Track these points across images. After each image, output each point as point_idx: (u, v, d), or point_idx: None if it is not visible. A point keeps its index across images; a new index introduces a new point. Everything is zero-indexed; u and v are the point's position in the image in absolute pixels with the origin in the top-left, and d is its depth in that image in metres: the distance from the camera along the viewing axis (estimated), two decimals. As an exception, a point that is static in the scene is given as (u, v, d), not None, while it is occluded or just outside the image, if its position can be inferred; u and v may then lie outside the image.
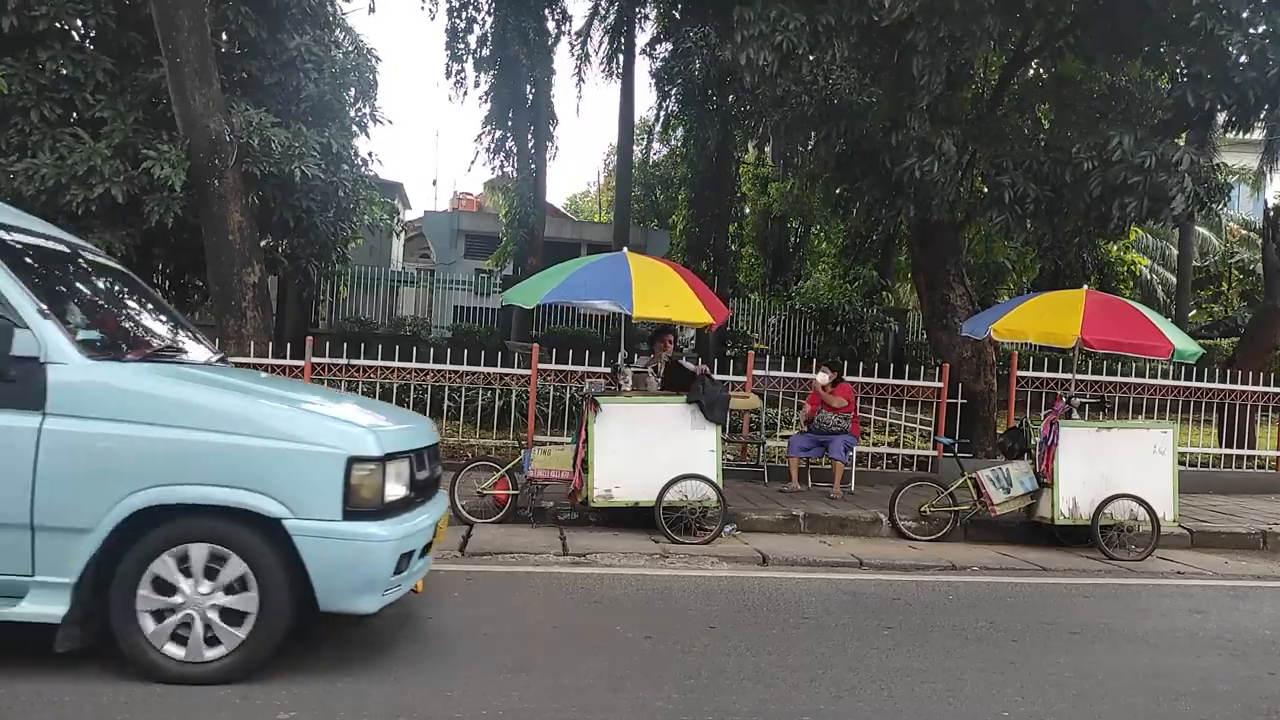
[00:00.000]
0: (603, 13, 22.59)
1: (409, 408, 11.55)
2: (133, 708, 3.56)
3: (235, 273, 10.05)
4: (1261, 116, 10.31)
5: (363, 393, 11.04)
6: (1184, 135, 10.10)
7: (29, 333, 3.74)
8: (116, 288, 5.01)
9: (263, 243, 11.06)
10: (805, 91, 9.93)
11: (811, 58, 9.52)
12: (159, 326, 5.03)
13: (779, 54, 9.11)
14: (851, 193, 12.39)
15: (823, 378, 9.56)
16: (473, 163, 28.89)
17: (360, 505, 3.92)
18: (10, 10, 9.84)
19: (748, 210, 28.39)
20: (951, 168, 10.04)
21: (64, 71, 10.29)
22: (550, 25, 21.15)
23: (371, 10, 16.53)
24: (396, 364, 10.14)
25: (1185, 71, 9.98)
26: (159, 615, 3.83)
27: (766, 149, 25.77)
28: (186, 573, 3.83)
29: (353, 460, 3.90)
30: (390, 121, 16.38)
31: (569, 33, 22.55)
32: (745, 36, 9.12)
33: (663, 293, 7.80)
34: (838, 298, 22.77)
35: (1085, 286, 8.63)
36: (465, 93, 21.52)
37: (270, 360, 9.91)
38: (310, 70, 11.14)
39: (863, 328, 21.25)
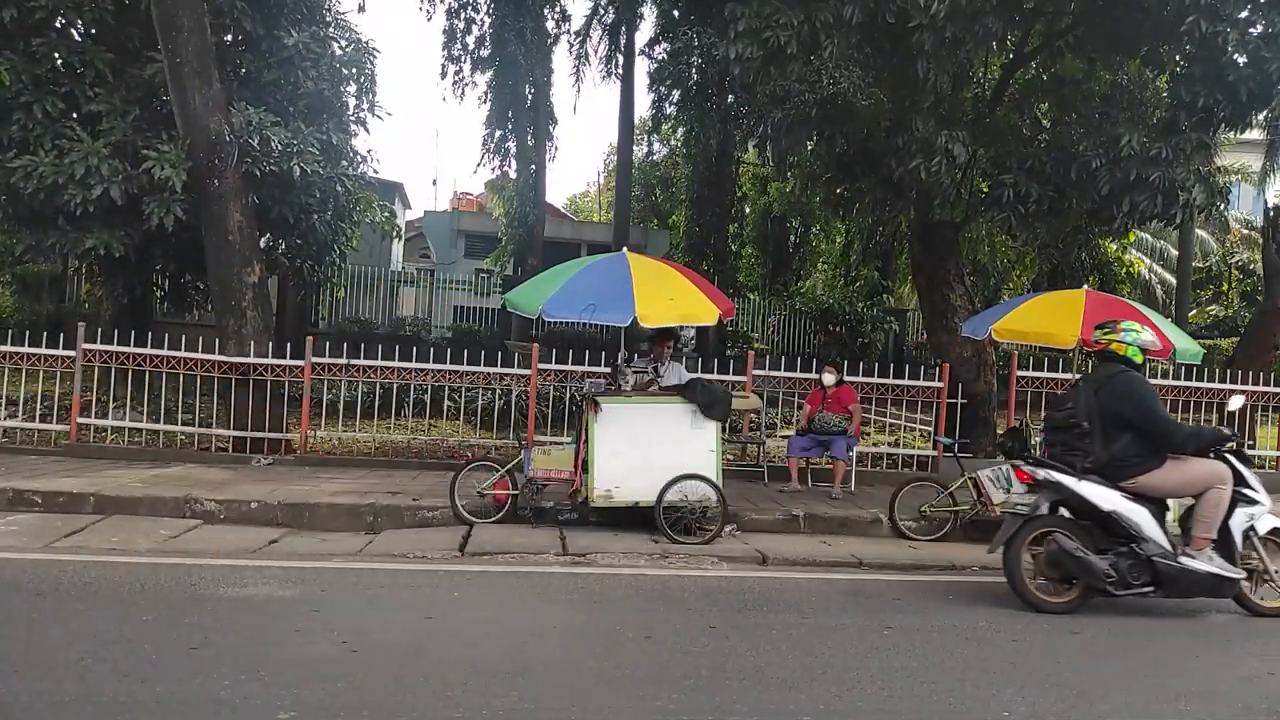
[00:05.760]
0: (602, 13, 22.61)
1: (409, 408, 11.59)
2: (133, 708, 3.56)
3: (235, 273, 10.05)
4: (1262, 116, 10.31)
5: (363, 392, 11.06)
6: (1187, 133, 10.07)
7: None
8: None
9: (261, 242, 11.05)
10: (809, 90, 9.91)
11: (811, 56, 9.49)
12: None
13: (765, 49, 9.08)
14: (852, 193, 12.40)
15: (829, 378, 9.56)
16: (479, 165, 28.93)
17: None
18: (10, 2, 9.85)
19: (748, 210, 28.40)
20: (957, 168, 10.04)
21: (60, 62, 10.31)
22: (549, 25, 21.23)
23: (361, 9, 16.49)
24: (396, 364, 10.14)
25: (1181, 71, 10.00)
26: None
27: (766, 148, 25.77)
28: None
29: None
30: (389, 114, 16.33)
31: (568, 33, 22.66)
32: (737, 32, 9.11)
33: (666, 290, 7.79)
34: (838, 298, 22.79)
35: (1085, 286, 8.62)
36: (462, 94, 21.63)
37: (270, 360, 9.91)
38: (309, 68, 11.14)
39: (863, 328, 21.25)
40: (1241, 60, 9.24)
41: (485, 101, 21.22)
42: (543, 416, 10.53)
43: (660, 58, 22.02)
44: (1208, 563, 5.71)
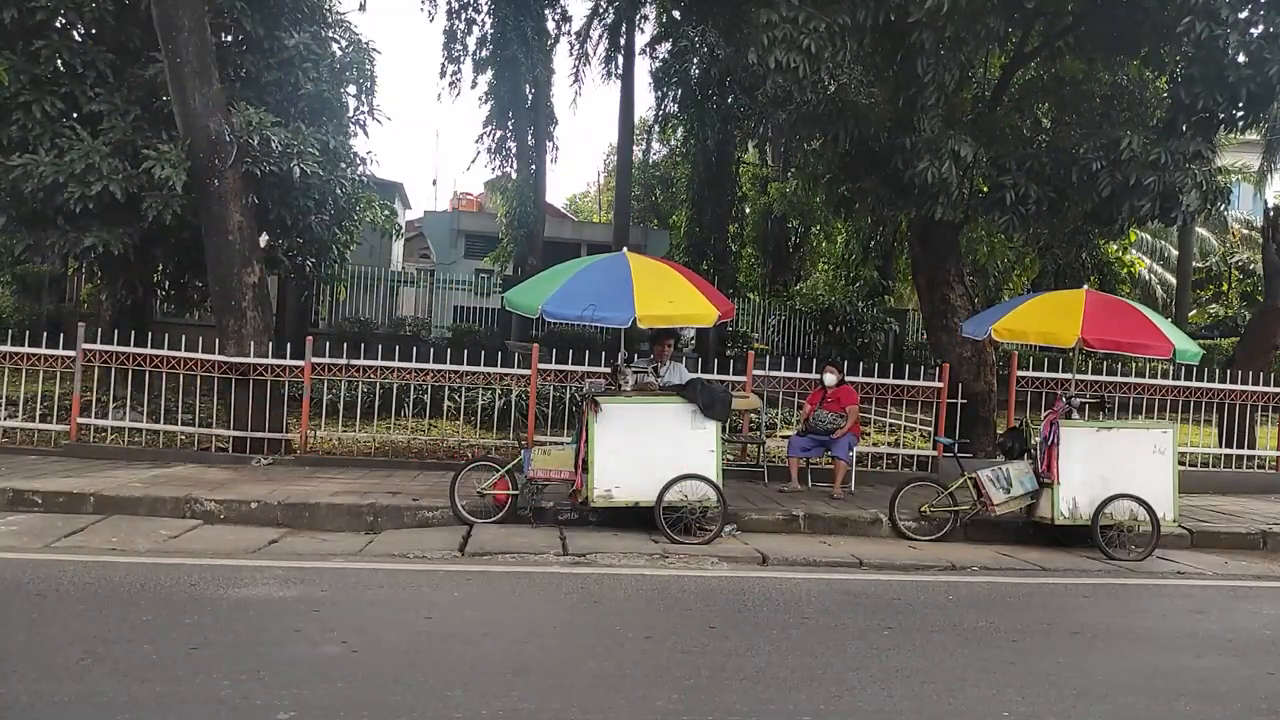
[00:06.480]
0: (602, 12, 22.61)
1: (409, 407, 11.58)
2: (133, 708, 3.56)
3: (235, 273, 10.05)
4: (1262, 116, 10.30)
5: (363, 392, 11.05)
6: (1187, 136, 10.07)
7: None
8: None
9: (261, 242, 11.06)
10: (811, 90, 9.90)
11: (827, 58, 9.47)
12: None
13: (807, 56, 9.04)
14: (854, 193, 12.39)
15: (830, 378, 9.55)
16: (473, 162, 29.02)
17: None
18: (10, 3, 9.86)
19: (748, 210, 28.40)
20: (962, 169, 10.05)
21: (62, 63, 10.32)
22: (550, 25, 21.23)
23: (362, 8, 16.47)
24: (396, 364, 10.14)
25: (1181, 72, 10.00)
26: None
27: (767, 148, 25.78)
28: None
29: None
30: (389, 119, 16.30)
31: (569, 33, 22.65)
32: (771, 39, 9.05)
33: (665, 290, 7.79)
34: (838, 298, 22.79)
35: (1085, 286, 8.63)
36: (459, 93, 21.66)
37: (270, 360, 9.91)
38: (309, 69, 11.15)
39: (863, 328, 21.25)
40: (1242, 60, 9.23)
41: (485, 102, 21.22)
42: (543, 416, 10.53)
43: (661, 58, 22.03)
44: None
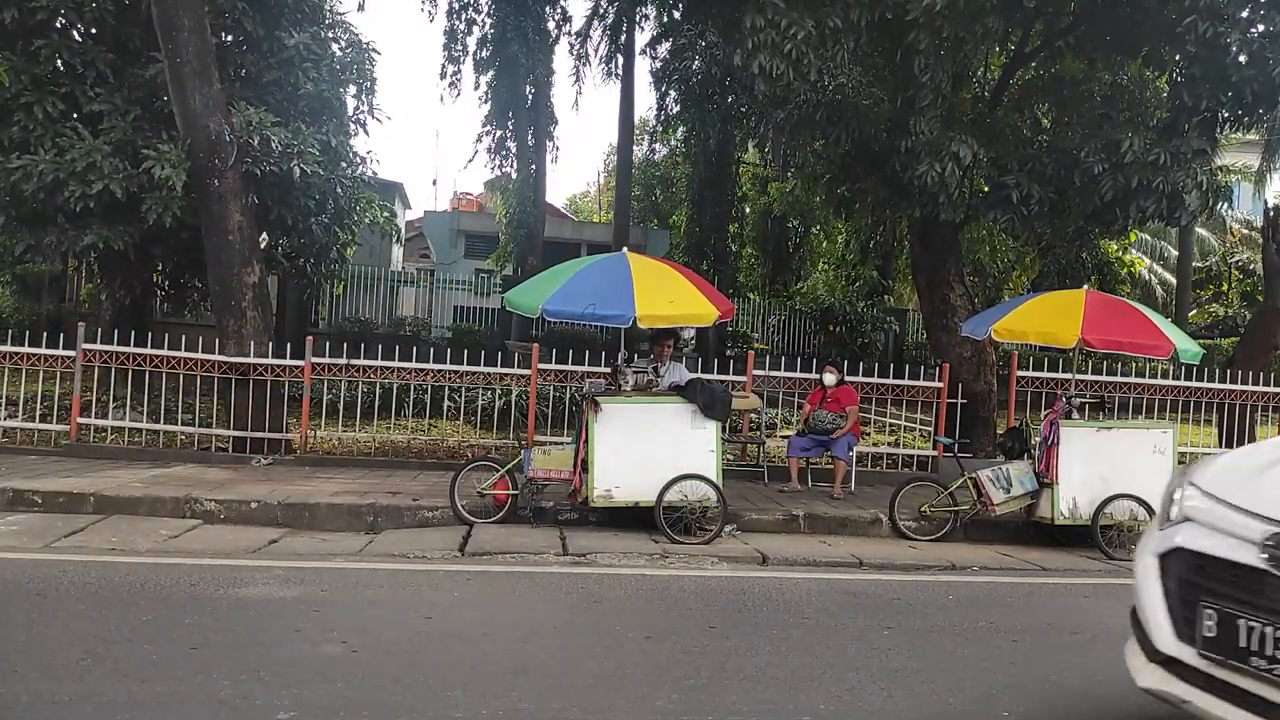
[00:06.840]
0: (602, 12, 22.60)
1: (409, 407, 11.59)
2: (133, 708, 3.56)
3: (235, 273, 10.05)
4: (1264, 116, 10.30)
5: (363, 392, 11.05)
6: (1189, 136, 10.07)
7: None
8: None
9: (261, 242, 11.06)
10: (810, 90, 9.90)
11: (817, 60, 9.47)
12: None
13: (789, 62, 9.05)
14: (854, 193, 12.40)
15: (830, 378, 9.55)
16: (470, 161, 29.08)
17: None
18: (11, 3, 9.86)
19: (748, 210, 28.40)
20: (962, 170, 10.04)
21: (62, 63, 10.33)
22: (550, 25, 21.22)
23: (361, 8, 16.49)
24: (396, 364, 10.14)
25: (1182, 72, 9.99)
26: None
27: (767, 149, 25.79)
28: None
29: None
30: (389, 119, 16.31)
31: (569, 33, 22.63)
32: (755, 44, 9.05)
33: (665, 290, 7.79)
34: (838, 298, 22.80)
35: (1085, 286, 8.62)
36: (459, 93, 21.68)
37: (270, 360, 9.91)
38: (309, 69, 11.15)
39: (863, 328, 21.26)
40: (1243, 59, 9.23)
41: (485, 102, 21.21)
42: (543, 416, 10.53)
43: (661, 57, 22.02)
44: None
